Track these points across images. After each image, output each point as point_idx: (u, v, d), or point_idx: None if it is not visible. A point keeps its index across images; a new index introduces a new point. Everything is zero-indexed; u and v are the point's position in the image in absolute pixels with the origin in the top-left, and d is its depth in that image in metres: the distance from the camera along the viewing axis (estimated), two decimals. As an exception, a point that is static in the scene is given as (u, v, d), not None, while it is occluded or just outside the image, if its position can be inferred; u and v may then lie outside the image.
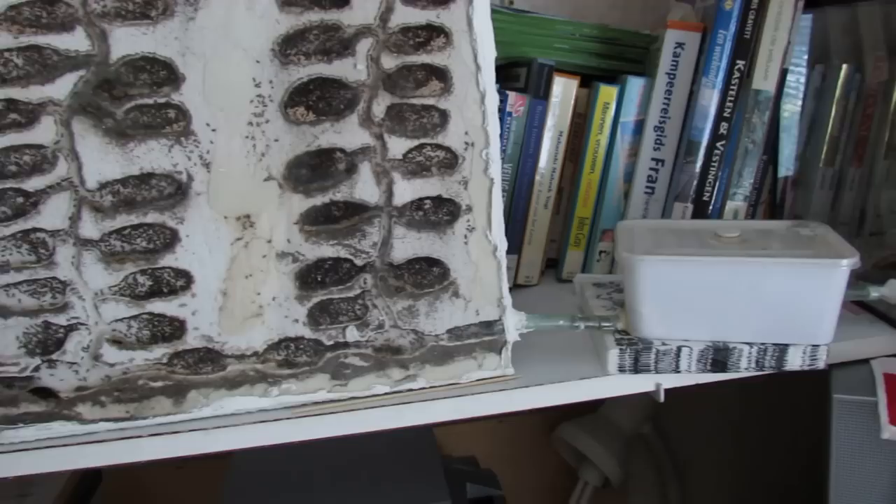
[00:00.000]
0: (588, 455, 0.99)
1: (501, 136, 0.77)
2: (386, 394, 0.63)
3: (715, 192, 0.80)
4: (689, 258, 0.62)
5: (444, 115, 0.59)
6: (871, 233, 0.90)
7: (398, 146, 0.59)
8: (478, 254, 0.62)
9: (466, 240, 0.61)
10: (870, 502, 0.64)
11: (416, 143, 0.59)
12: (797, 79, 0.88)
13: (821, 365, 0.64)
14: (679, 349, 0.63)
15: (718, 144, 0.79)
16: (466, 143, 0.60)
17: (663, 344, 0.64)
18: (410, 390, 0.63)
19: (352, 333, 0.62)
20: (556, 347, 0.69)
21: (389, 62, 0.58)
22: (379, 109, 0.58)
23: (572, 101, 0.82)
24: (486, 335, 0.64)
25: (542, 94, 0.79)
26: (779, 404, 0.99)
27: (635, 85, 0.81)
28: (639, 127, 0.82)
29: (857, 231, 0.91)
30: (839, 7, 0.81)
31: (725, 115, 0.78)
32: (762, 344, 0.63)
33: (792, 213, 0.93)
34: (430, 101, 0.59)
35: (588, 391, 0.64)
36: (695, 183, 0.80)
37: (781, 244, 0.65)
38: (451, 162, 0.60)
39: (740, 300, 0.62)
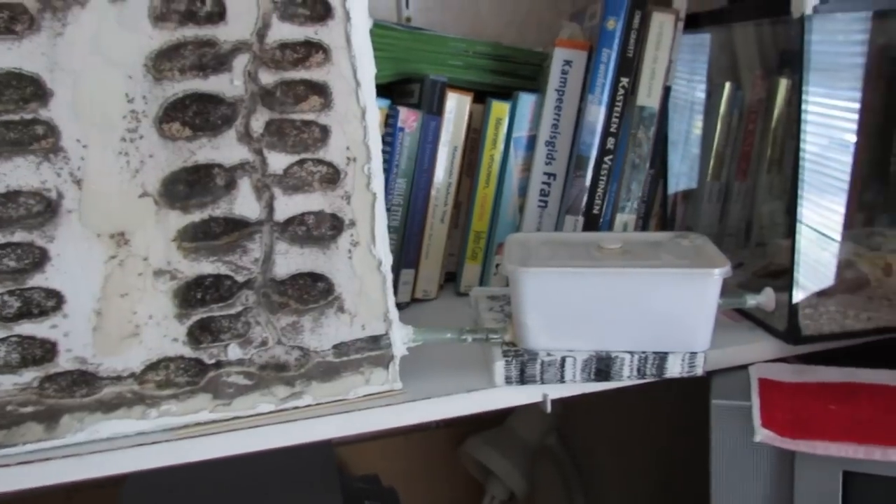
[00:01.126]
0: (493, 469, 1.00)
1: (393, 151, 0.78)
2: (271, 412, 0.62)
3: (605, 206, 0.83)
4: (570, 269, 0.63)
5: (324, 131, 0.60)
6: (756, 243, 0.94)
7: (279, 161, 0.59)
8: (362, 268, 0.62)
9: (351, 255, 0.62)
10: (748, 504, 0.66)
11: (296, 158, 0.60)
12: (689, 94, 0.92)
13: (699, 371, 0.66)
14: (563, 359, 0.65)
15: (606, 159, 0.81)
16: (348, 158, 0.60)
17: (548, 355, 0.65)
18: (296, 408, 0.63)
19: (234, 351, 0.61)
20: (448, 361, 0.70)
21: (268, 78, 0.58)
22: (258, 125, 0.58)
23: (466, 117, 0.83)
24: (372, 350, 0.64)
25: (435, 110, 0.81)
26: (679, 411, 1.02)
27: (526, 101, 0.83)
28: (531, 142, 0.84)
29: (744, 242, 0.96)
30: (717, 27, 0.85)
31: (612, 130, 0.80)
32: (643, 352, 0.65)
33: (683, 225, 0.96)
34: (311, 117, 0.59)
35: (475, 404, 0.65)
36: (585, 196, 0.82)
37: (661, 255, 0.68)
38: (333, 177, 0.60)
39: (621, 310, 0.64)
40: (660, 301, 0.63)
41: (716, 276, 0.63)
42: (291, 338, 0.62)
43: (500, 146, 0.84)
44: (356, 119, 0.60)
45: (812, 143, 0.68)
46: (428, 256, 0.85)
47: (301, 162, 0.60)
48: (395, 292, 0.81)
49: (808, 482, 0.63)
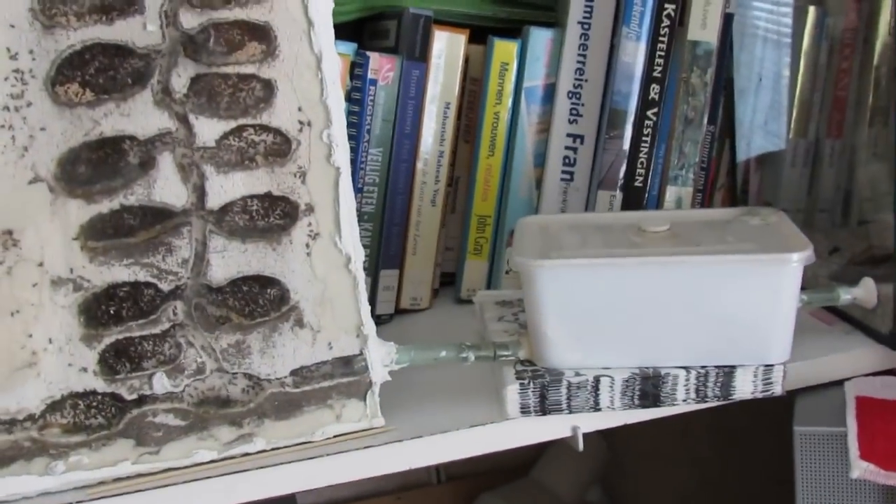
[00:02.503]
0: (516, 535, 1.03)
1: (363, 111, 0.81)
2: (213, 461, 0.65)
3: (650, 176, 0.86)
4: (600, 261, 0.66)
5: (268, 87, 0.63)
6: (858, 221, 0.97)
7: (209, 130, 0.62)
8: (325, 268, 0.65)
9: (309, 250, 0.65)
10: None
11: (233, 124, 0.63)
12: (761, 23, 0.94)
13: (777, 390, 0.69)
14: (598, 380, 0.68)
15: (649, 113, 0.84)
16: (301, 123, 0.63)
17: (577, 375, 0.68)
18: (246, 455, 0.66)
19: (161, 383, 0.64)
20: (445, 389, 0.73)
21: (191, 20, 0.61)
22: (180, 83, 0.62)
23: (461, 63, 0.86)
24: (343, 376, 0.67)
25: (418, 55, 0.84)
26: (764, 449, 1.05)
27: (540, 38, 0.86)
28: (549, 93, 0.87)
29: (842, 220, 0.98)
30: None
31: (655, 75, 0.83)
32: (702, 368, 0.68)
33: (759, 198, 0.99)
34: (249, 69, 0.62)
35: (482, 443, 0.68)
36: (623, 164, 0.85)
37: (722, 238, 0.71)
38: (281, 148, 0.63)
39: (669, 312, 0.67)
40: (720, 298, 0.66)
41: (793, 264, 0.65)
42: (236, 362, 0.65)
43: (508, 100, 0.87)
44: (309, 70, 0.63)
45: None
46: (416, 252, 0.88)
47: (239, 130, 0.63)
48: (374, 300, 0.84)
49: (923, 530, 0.66)
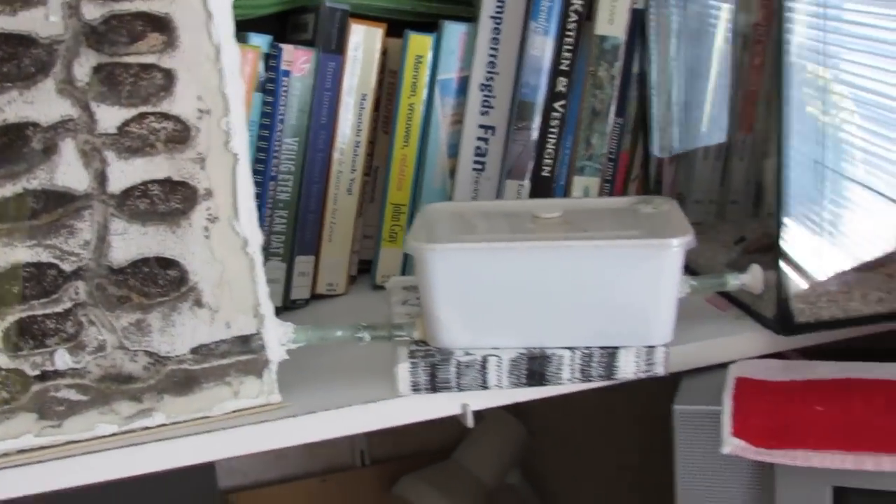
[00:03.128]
0: (437, 517, 1.07)
1: (276, 102, 0.85)
2: (113, 434, 0.69)
3: (558, 166, 0.90)
4: (486, 245, 0.71)
5: (168, 77, 0.67)
6: (768, 212, 1.01)
7: (111, 117, 0.66)
8: (223, 251, 0.69)
9: (207, 233, 0.69)
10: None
11: (134, 112, 0.67)
12: (675, 18, 0.98)
13: (660, 370, 0.73)
14: (485, 360, 0.72)
15: (557, 105, 0.88)
16: (200, 111, 0.67)
17: (466, 354, 0.72)
18: (146, 428, 0.70)
19: (63, 359, 0.68)
20: (346, 368, 0.77)
21: (93, 11, 0.65)
22: (82, 72, 0.65)
23: (378, 55, 0.90)
24: (241, 354, 0.71)
25: (334, 47, 0.88)
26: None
27: (454, 32, 0.90)
28: (463, 86, 0.91)
29: (754, 210, 1.03)
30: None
31: (563, 68, 0.88)
32: (586, 349, 0.73)
33: (673, 190, 1.04)
34: (150, 59, 0.66)
35: (375, 418, 0.72)
36: (531, 155, 0.89)
37: (610, 225, 0.75)
38: (181, 135, 0.67)
39: (555, 295, 0.71)
40: (602, 282, 0.71)
41: (673, 249, 0.70)
42: (136, 340, 0.69)
43: (423, 92, 0.91)
44: (209, 61, 0.67)
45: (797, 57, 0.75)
46: (332, 239, 0.92)
47: (140, 117, 0.67)
48: (289, 285, 0.88)
49: (791, 501, 0.70)
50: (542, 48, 0.87)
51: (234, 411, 0.72)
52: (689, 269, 0.94)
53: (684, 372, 0.79)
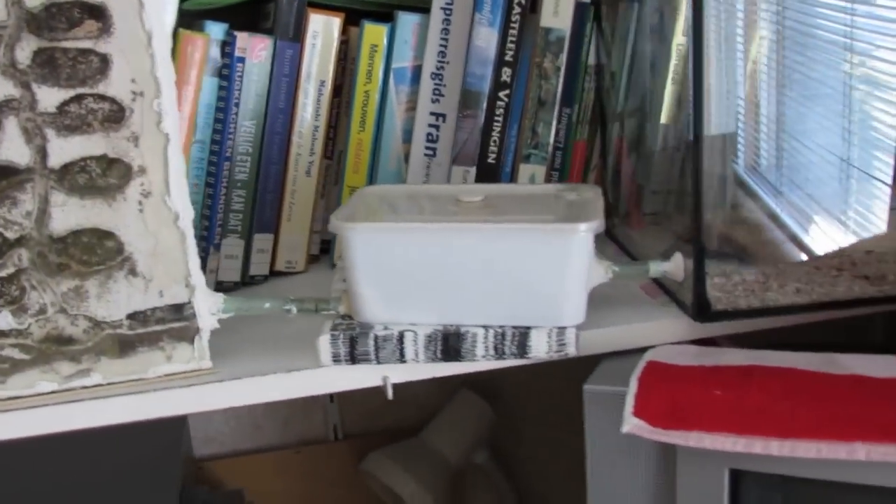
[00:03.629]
0: (399, 493, 1.12)
1: (231, 86, 0.90)
2: (53, 392, 0.75)
3: (503, 153, 0.94)
4: (400, 226, 0.75)
5: (104, 61, 0.72)
6: (733, 204, 1.04)
7: (51, 97, 0.72)
8: (156, 223, 0.75)
9: (141, 207, 0.74)
10: (628, 508, 0.78)
11: (72, 93, 0.72)
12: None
13: (571, 351, 0.77)
14: (402, 335, 0.77)
15: (501, 94, 0.92)
16: (134, 93, 0.73)
17: (385, 329, 0.77)
18: (84, 387, 0.76)
19: (6, 320, 0.74)
20: (280, 339, 0.82)
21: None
22: (24, 55, 0.71)
23: (335, 44, 0.95)
24: (174, 321, 0.77)
25: (292, 36, 0.93)
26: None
27: (408, 23, 0.94)
28: (416, 74, 0.95)
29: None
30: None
31: (507, 59, 0.92)
32: (500, 327, 0.77)
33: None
34: (87, 44, 0.72)
35: (298, 386, 0.77)
36: (476, 142, 0.93)
37: (528, 210, 0.79)
38: (116, 115, 0.73)
39: (470, 276, 0.75)
40: (514, 264, 0.75)
41: (580, 234, 0.74)
42: (75, 305, 0.75)
43: (378, 80, 0.96)
44: (142, 46, 0.72)
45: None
46: (291, 219, 0.97)
47: (78, 98, 0.72)
48: (248, 261, 0.94)
49: (690, 482, 0.74)
50: (488, 39, 0.91)
51: (167, 375, 0.77)
52: (635, 258, 0.98)
53: (610, 354, 0.82)
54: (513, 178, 0.95)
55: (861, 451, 0.68)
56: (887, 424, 0.69)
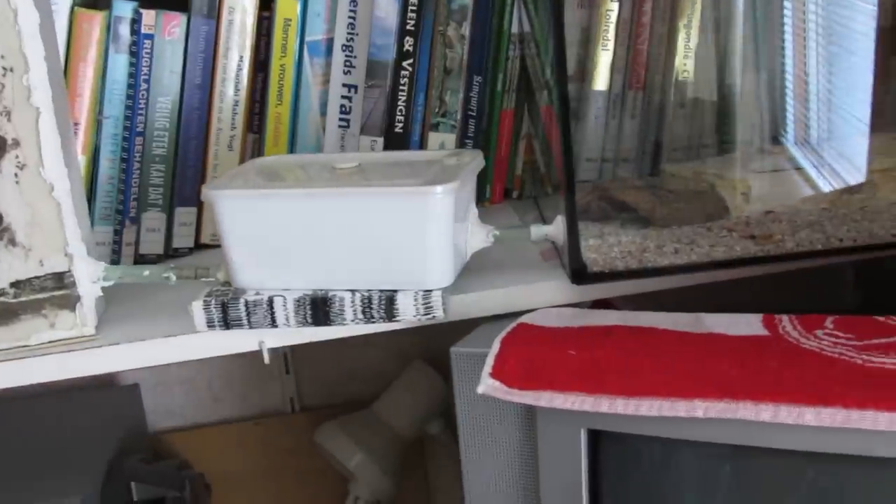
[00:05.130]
0: (347, 466, 1.15)
1: (139, 63, 0.94)
2: (-61, 358, 0.81)
3: (410, 123, 0.96)
4: (265, 192, 0.78)
5: (-26, 38, 0.77)
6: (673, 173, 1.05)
7: (-74, 75, 0.77)
8: (33, 194, 0.79)
9: (17, 179, 0.79)
10: (499, 469, 0.79)
11: (-55, 70, 0.77)
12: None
13: (439, 314, 0.79)
14: (272, 300, 0.79)
15: (405, 64, 0.94)
16: (4, 69, 0.77)
17: (257, 294, 0.80)
18: (-31, 354, 0.81)
19: None
20: (166, 306, 0.86)
21: None
22: None
23: (252, 20, 0.98)
24: (56, 289, 0.81)
25: (207, 12, 0.96)
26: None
27: (320, -5, 0.97)
28: (330, 47, 0.98)
29: (651, 168, 1.06)
30: None
31: (409, 28, 0.94)
32: (367, 291, 0.79)
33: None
34: (-45, 23, 0.77)
35: (175, 351, 0.81)
36: (382, 111, 0.95)
37: (399, 175, 0.81)
38: (-11, 91, 0.78)
39: (335, 240, 0.78)
40: (376, 228, 0.77)
41: (437, 196, 0.75)
42: (-40, 274, 0.80)
43: (293, 54, 0.99)
44: (8, 24, 0.77)
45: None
46: (214, 192, 1.01)
47: (-48, 75, 0.77)
48: (171, 235, 0.98)
49: (550, 443, 0.75)
50: (388, 9, 0.93)
51: (50, 342, 0.82)
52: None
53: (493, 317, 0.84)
54: (422, 146, 0.97)
55: (700, 409, 0.68)
56: (727, 381, 0.69)
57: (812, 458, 0.65)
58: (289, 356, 1.23)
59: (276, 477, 1.23)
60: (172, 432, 1.23)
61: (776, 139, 1.07)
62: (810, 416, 0.64)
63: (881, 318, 0.73)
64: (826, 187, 0.99)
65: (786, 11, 1.07)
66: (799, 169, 1.03)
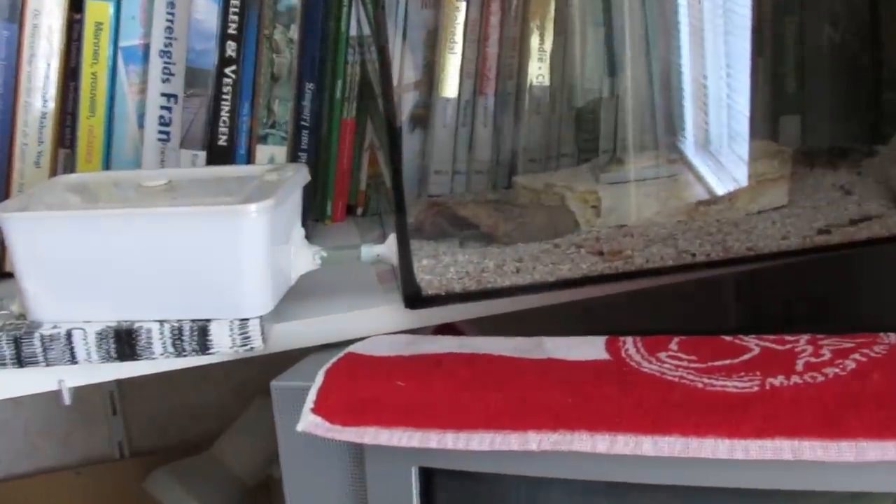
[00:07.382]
0: (180, 515, 1.11)
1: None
2: None
3: (236, 135, 0.93)
4: (59, 214, 0.74)
5: None
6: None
7: None
8: None
9: None
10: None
11: None
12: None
13: (258, 344, 0.76)
14: (70, 333, 0.75)
15: (228, 70, 0.92)
16: None
17: (54, 327, 0.76)
18: None
19: None
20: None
21: None
22: None
23: (60, 24, 0.94)
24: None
25: (9, 16, 0.92)
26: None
27: (134, -2, 0.94)
28: (147, 53, 0.95)
29: (507, 181, 1.05)
30: None
31: (231, 31, 0.91)
32: (178, 321, 0.76)
33: (418, 160, 1.06)
34: None
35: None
36: (203, 123, 0.93)
37: (212, 192, 0.78)
38: None
39: (138, 266, 0.74)
40: (184, 252, 0.74)
41: (251, 215, 0.73)
42: None
43: (106, 60, 0.95)
44: None
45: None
46: (20, 214, 0.96)
47: None
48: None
49: (379, 483, 0.73)
50: (207, 11, 0.91)
51: None
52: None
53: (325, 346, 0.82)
54: (249, 160, 0.94)
55: (533, 441, 0.67)
56: (562, 411, 0.67)
57: (657, 491, 0.65)
58: (115, 394, 1.18)
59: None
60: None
61: (643, 147, 1.07)
62: (648, 445, 0.63)
63: (728, 338, 0.73)
64: (690, 198, 1.00)
65: (648, 13, 1.07)
66: (672, 177, 1.03)
